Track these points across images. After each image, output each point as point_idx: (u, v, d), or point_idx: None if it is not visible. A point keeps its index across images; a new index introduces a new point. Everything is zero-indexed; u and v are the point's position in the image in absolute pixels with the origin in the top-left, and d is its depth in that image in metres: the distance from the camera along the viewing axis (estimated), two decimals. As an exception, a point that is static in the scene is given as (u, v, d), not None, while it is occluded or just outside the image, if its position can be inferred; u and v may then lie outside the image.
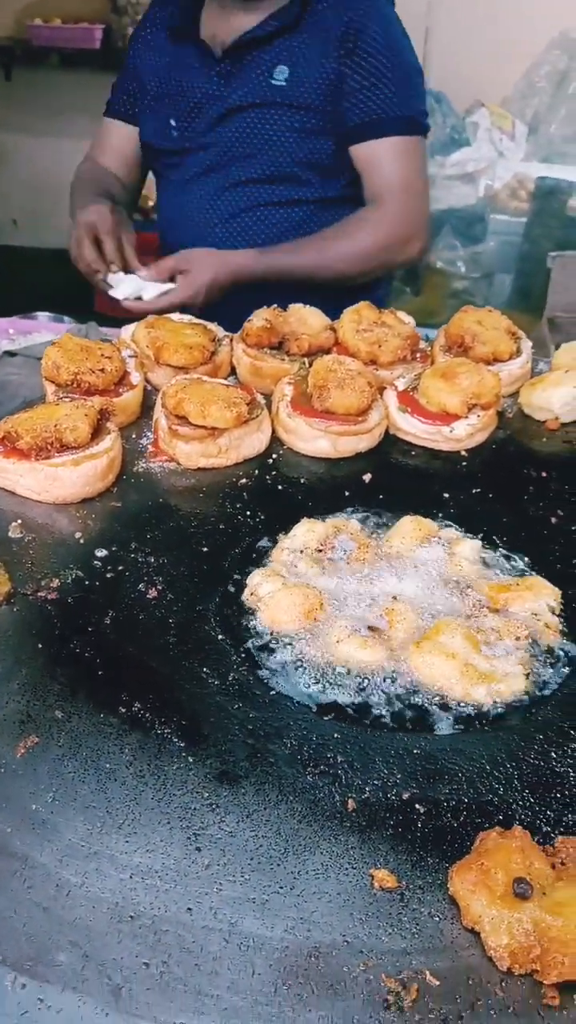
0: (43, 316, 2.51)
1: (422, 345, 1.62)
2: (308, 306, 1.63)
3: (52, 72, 5.49)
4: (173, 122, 2.15)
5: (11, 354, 1.87)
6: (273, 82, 2.01)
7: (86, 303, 2.62)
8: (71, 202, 2.23)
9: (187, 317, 1.62)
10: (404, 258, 2.15)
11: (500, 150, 4.00)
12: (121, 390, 1.41)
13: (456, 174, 3.84)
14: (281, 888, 0.75)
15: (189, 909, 0.73)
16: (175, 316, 1.61)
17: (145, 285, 1.88)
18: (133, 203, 2.44)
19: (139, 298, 1.86)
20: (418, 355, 1.59)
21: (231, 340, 1.59)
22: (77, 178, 2.34)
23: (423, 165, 2.15)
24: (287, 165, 2.06)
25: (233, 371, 1.58)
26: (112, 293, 1.90)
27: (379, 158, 2.04)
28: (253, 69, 2.04)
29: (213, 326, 1.61)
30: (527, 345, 1.60)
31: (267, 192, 2.09)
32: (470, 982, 0.69)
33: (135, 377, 1.44)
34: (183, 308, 1.83)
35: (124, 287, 1.89)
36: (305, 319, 1.59)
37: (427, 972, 0.69)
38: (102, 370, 1.38)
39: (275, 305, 1.63)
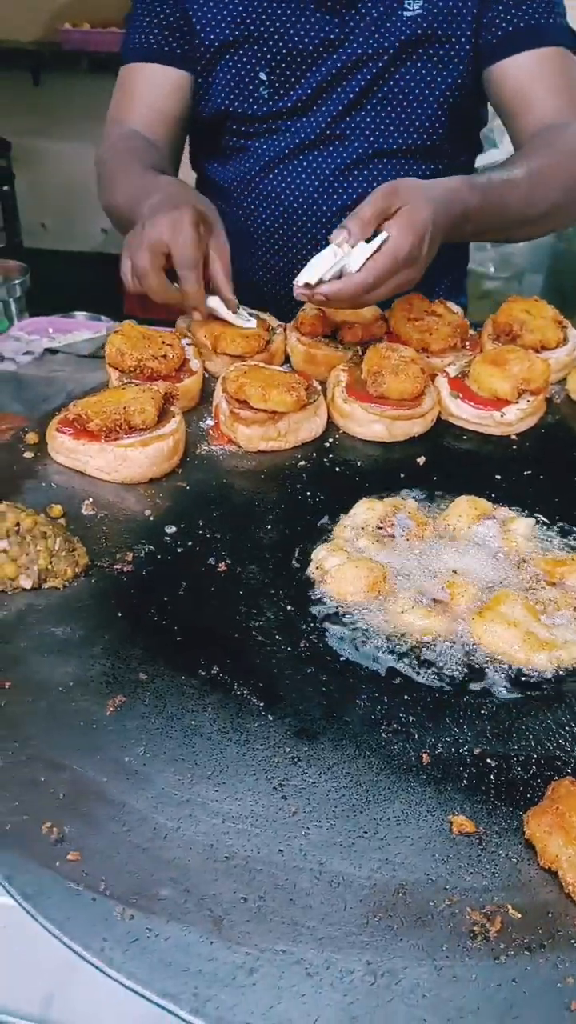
0: (81, 315, 2.57)
1: (470, 333, 1.66)
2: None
3: (81, 76, 5.57)
4: (263, 76, 1.66)
5: (52, 351, 1.93)
6: (405, 13, 1.60)
7: (116, 306, 2.64)
8: (105, 194, 1.69)
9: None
10: None
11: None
12: (182, 376, 1.45)
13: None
14: (365, 833, 0.80)
15: (280, 851, 0.78)
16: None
17: (341, 253, 1.32)
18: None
19: (339, 276, 1.33)
20: (467, 343, 1.63)
21: (285, 329, 1.63)
22: (110, 158, 1.71)
23: None
24: (430, 131, 1.64)
25: (287, 359, 1.62)
26: (301, 284, 1.33)
27: (544, 72, 1.60)
28: (378, 1, 1.61)
29: (267, 316, 1.65)
30: (573, 333, 1.63)
31: (406, 172, 1.62)
32: (549, 915, 0.73)
33: (194, 364, 1.49)
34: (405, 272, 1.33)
35: (309, 270, 1.32)
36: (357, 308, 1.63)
37: (509, 907, 0.73)
38: (164, 356, 1.43)
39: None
